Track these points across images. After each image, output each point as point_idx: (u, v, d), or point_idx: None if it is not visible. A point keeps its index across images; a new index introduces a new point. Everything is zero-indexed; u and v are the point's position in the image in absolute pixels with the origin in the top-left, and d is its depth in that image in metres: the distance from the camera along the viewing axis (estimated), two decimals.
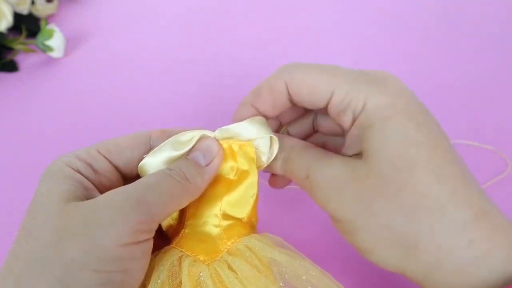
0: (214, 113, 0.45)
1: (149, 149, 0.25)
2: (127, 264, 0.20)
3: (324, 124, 0.27)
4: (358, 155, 0.22)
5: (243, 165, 0.25)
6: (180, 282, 0.22)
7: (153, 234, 0.22)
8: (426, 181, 0.20)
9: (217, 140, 0.25)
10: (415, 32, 0.52)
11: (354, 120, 0.22)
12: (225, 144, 0.25)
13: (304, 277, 0.23)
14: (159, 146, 0.24)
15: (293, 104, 0.25)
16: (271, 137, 0.25)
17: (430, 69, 0.47)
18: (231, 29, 0.56)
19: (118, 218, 0.20)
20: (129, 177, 0.26)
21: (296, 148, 0.25)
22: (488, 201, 0.20)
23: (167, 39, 0.56)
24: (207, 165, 0.24)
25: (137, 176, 0.25)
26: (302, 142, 0.26)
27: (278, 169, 0.26)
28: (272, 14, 0.58)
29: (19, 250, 0.20)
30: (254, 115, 0.26)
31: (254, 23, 0.57)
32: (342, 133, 0.27)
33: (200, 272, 0.23)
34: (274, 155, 0.25)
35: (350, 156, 0.23)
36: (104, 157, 0.24)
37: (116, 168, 0.25)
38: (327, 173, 0.22)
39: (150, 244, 0.22)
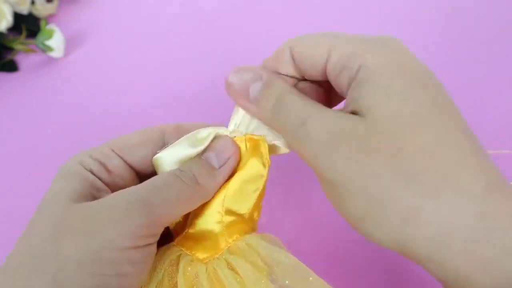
0: (215, 112, 0.45)
1: (162, 145, 0.24)
2: (124, 269, 0.19)
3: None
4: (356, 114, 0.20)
5: (250, 158, 0.24)
6: (177, 282, 0.22)
7: (156, 238, 0.21)
8: (430, 143, 0.18)
9: (233, 138, 0.24)
10: (414, 33, 0.52)
11: (351, 82, 0.20)
12: (239, 138, 0.24)
13: (310, 278, 0.22)
14: (176, 141, 0.23)
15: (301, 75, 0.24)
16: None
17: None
18: (231, 29, 0.56)
19: (118, 220, 0.19)
20: (144, 174, 0.25)
21: (293, 91, 0.22)
22: (500, 175, 0.18)
23: (167, 38, 0.55)
24: (220, 167, 0.23)
25: (153, 173, 0.24)
26: (295, 89, 0.23)
27: (266, 113, 0.22)
28: (272, 14, 0.58)
29: (21, 244, 0.20)
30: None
31: (254, 22, 0.57)
32: None
33: (197, 272, 0.22)
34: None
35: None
36: (118, 155, 0.24)
37: (130, 166, 0.24)
38: (323, 123, 0.20)
39: (152, 249, 0.21)
